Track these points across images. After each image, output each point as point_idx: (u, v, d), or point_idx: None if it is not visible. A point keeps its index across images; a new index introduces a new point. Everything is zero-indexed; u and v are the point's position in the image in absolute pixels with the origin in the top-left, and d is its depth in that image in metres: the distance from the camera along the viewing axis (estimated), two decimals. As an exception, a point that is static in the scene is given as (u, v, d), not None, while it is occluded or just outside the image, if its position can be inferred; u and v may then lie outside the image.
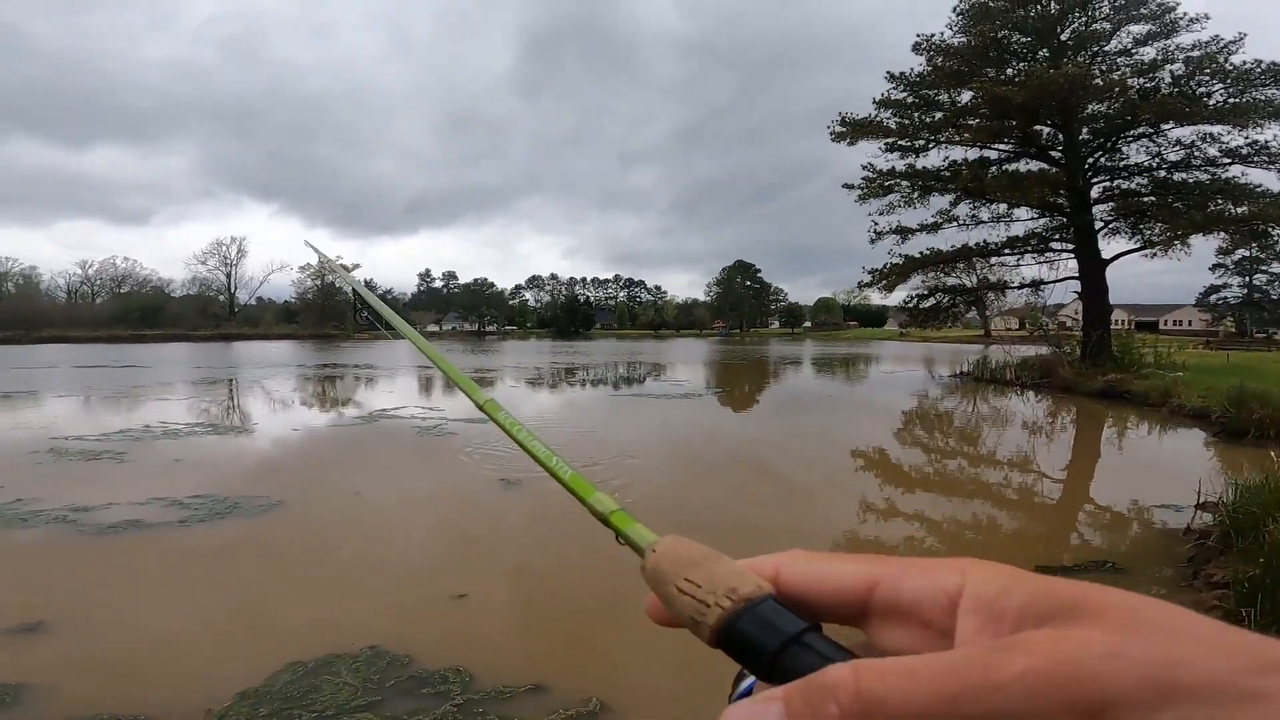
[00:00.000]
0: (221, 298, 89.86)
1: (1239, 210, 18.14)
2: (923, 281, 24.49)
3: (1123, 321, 56.58)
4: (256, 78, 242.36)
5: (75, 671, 3.36)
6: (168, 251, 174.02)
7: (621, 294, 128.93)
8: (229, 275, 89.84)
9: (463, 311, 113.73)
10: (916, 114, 21.52)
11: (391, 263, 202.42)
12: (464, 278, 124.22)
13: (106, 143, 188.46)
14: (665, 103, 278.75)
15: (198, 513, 6.09)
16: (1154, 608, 0.23)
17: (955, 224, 22.49)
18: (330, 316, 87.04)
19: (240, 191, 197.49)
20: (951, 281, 24.73)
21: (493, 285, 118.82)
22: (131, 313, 77.43)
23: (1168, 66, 18.92)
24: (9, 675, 3.29)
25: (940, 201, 22.47)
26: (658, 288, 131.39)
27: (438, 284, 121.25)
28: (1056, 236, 21.67)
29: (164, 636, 3.74)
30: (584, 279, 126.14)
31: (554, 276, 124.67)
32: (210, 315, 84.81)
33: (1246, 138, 18.30)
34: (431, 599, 4.24)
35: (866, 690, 0.22)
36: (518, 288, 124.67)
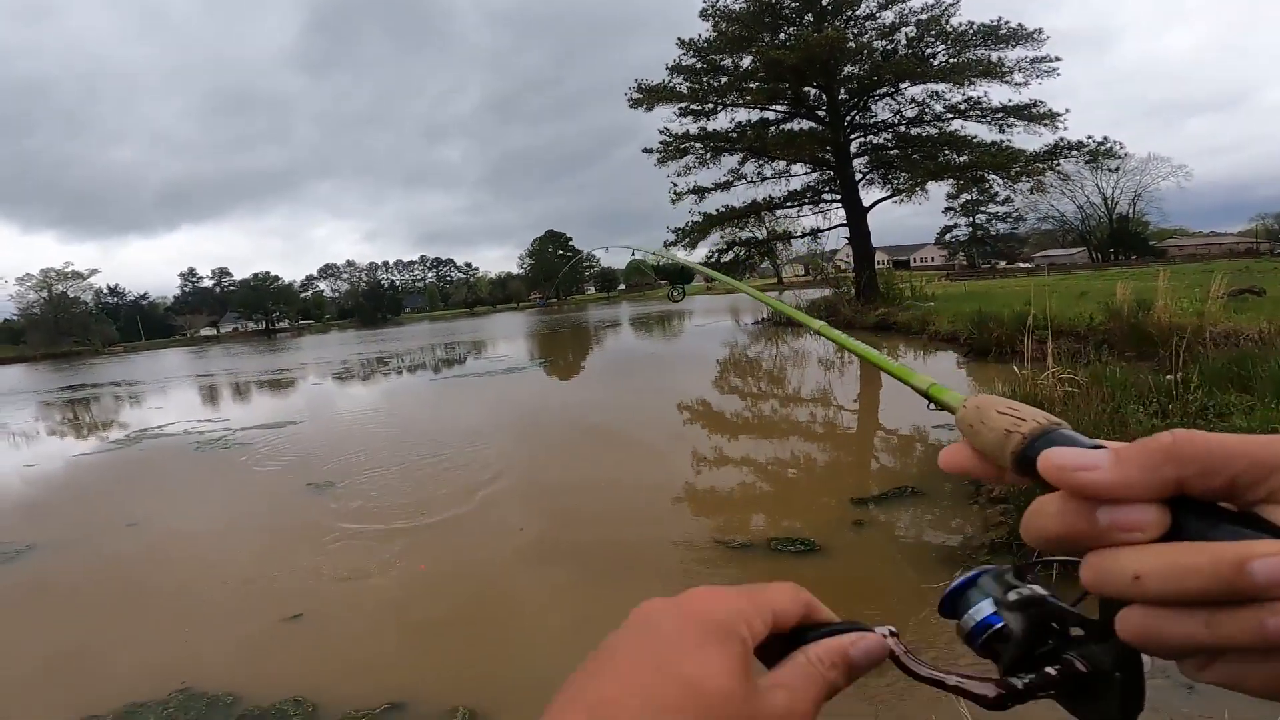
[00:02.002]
0: (-91, 322, 71.45)
1: (961, 159, 21.41)
2: (721, 237, 26.41)
3: (884, 261, 64.86)
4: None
5: None
6: None
7: (430, 275, 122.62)
8: (-85, 296, 71.52)
9: (244, 310, 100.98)
10: (705, 79, 22.88)
11: (148, 264, 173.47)
12: (241, 273, 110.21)
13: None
14: (477, 73, 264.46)
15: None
16: None
17: (744, 181, 24.48)
18: (68, 331, 72.94)
19: None
20: (746, 235, 26.74)
21: (278, 279, 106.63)
22: None
23: (903, 29, 21.66)
24: None
25: (730, 161, 24.24)
26: (468, 265, 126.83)
27: (207, 283, 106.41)
28: (827, 189, 24.30)
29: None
30: (386, 263, 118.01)
31: (351, 263, 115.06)
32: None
33: (964, 95, 21.56)
34: (249, 625, 3.75)
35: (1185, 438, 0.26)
36: (310, 279, 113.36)
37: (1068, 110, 20.29)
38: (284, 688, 3.07)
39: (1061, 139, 20.38)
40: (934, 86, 21.57)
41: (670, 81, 22.90)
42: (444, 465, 7.27)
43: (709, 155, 23.85)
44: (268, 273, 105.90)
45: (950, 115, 21.94)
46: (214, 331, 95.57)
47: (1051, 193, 22.40)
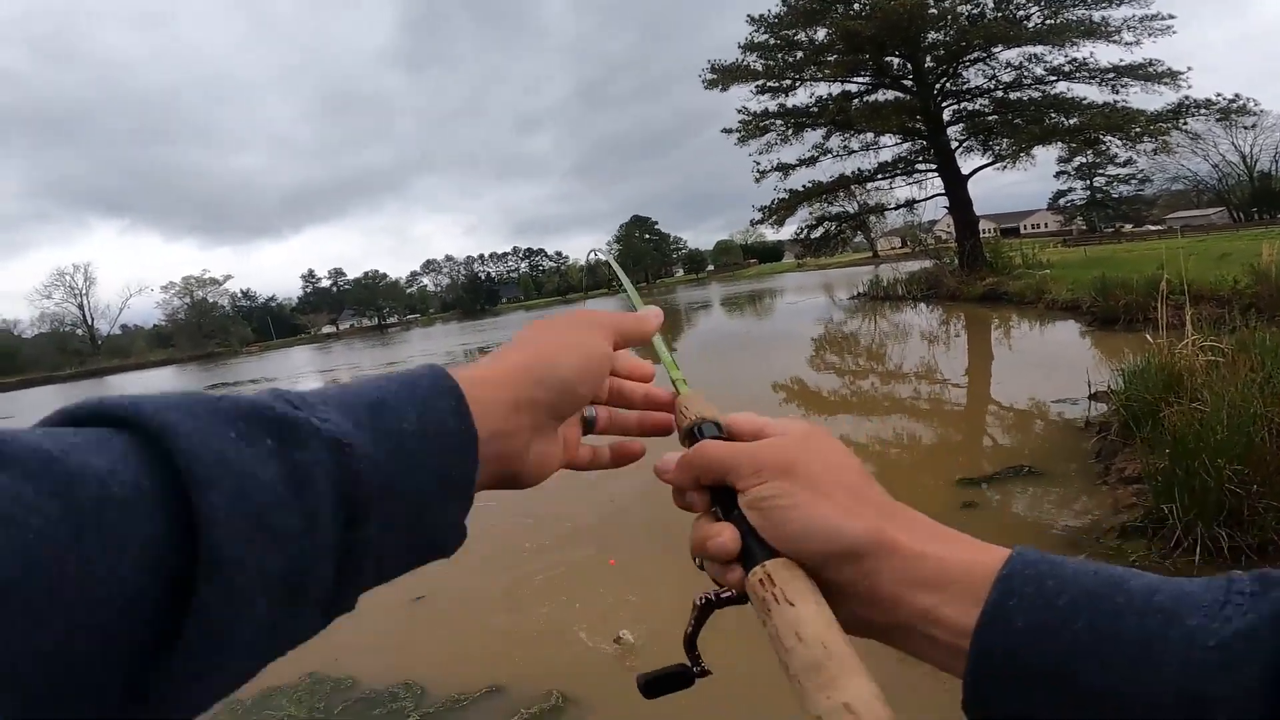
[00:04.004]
0: (79, 331, 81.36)
1: (1071, 122, 19.84)
2: (810, 213, 25.60)
3: (989, 230, 60.71)
4: (81, 78, 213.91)
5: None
6: (11, 285, 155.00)
7: (523, 265, 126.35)
8: (81, 307, 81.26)
9: (358, 308, 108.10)
10: (779, 55, 22.10)
11: (277, 267, 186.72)
12: (355, 272, 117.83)
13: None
14: (564, 61, 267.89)
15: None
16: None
17: (830, 156, 23.60)
18: (210, 334, 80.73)
19: (82, 209, 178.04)
20: (835, 210, 25.82)
21: (385, 276, 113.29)
22: (-22, 362, 69.10)
23: (988, -8, 20.12)
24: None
25: (814, 136, 23.49)
26: (559, 253, 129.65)
27: (325, 283, 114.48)
28: (920, 158, 23.06)
29: None
30: (481, 255, 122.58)
31: (450, 258, 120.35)
32: (72, 352, 76.74)
33: (1067, 56, 19.88)
34: (375, 604, 3.98)
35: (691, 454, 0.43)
36: (414, 274, 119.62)
37: (1189, 69, 18.58)
38: (398, 670, 3.25)
39: (1186, 98, 18.70)
40: (1031, 49, 20.08)
41: (744, 60, 22.28)
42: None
43: (790, 132, 23.11)
44: (377, 270, 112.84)
45: (1053, 78, 20.40)
46: (334, 329, 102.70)
47: (1180, 152, 20.45)
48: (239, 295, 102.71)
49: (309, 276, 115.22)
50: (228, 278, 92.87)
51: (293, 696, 3.15)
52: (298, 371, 29.43)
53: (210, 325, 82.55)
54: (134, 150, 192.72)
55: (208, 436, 0.26)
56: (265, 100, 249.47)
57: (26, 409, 28.24)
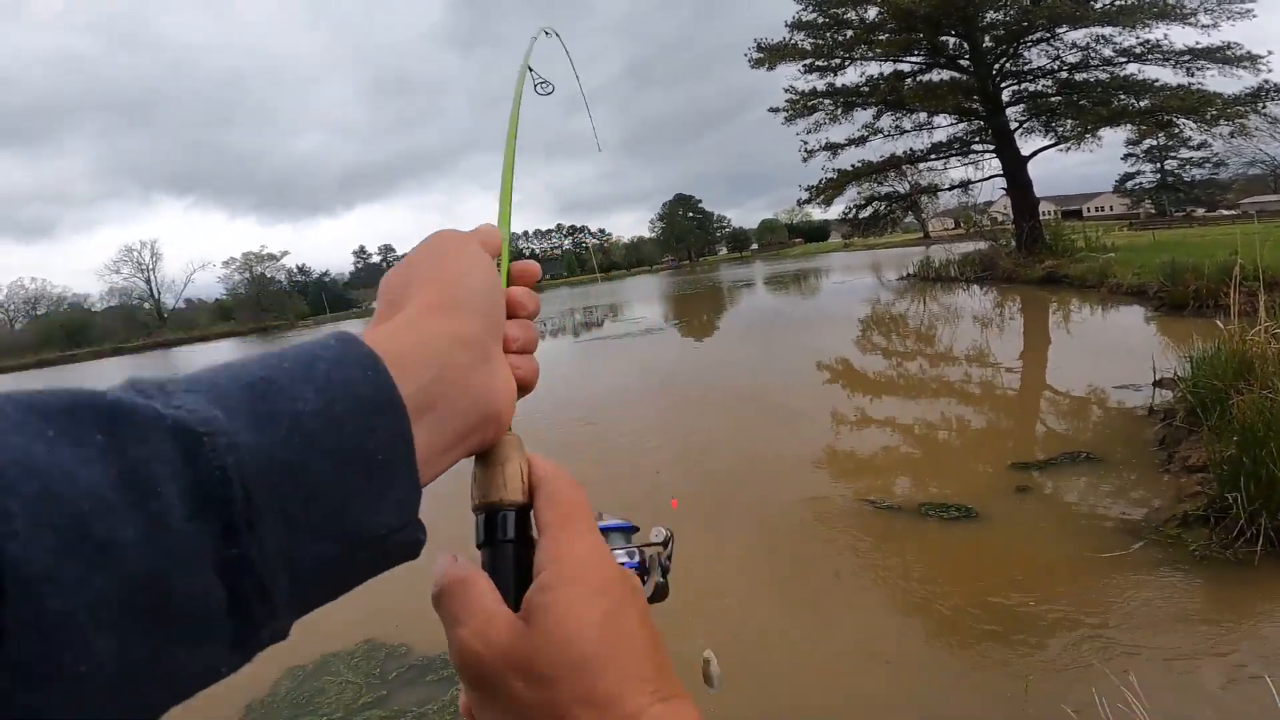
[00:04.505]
0: (147, 305, 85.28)
1: (1141, 104, 18.94)
2: (858, 193, 25.11)
3: (1050, 212, 58.23)
4: (150, 62, 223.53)
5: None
6: (81, 262, 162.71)
7: (566, 242, 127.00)
8: (148, 281, 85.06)
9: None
10: (828, 33, 21.56)
11: (330, 243, 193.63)
12: (404, 248, 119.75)
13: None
14: (615, 39, 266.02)
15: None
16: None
17: (881, 135, 23.04)
18: (268, 308, 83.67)
19: (151, 187, 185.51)
20: (885, 189, 25.21)
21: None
22: (55, 334, 73.07)
23: (1053, -30, 19.18)
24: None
25: (864, 115, 22.98)
26: (602, 230, 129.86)
27: (375, 259, 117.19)
28: (976, 139, 22.34)
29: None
30: (525, 232, 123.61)
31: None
32: (140, 325, 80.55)
33: (1138, 37, 18.90)
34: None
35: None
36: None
37: (1269, 52, 17.65)
38: (443, 643, 3.39)
39: (1266, 81, 17.71)
40: (1099, 30, 19.18)
41: (791, 39, 21.83)
42: (587, 421, 7.58)
43: (839, 111, 22.61)
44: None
45: (1123, 59, 19.47)
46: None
47: (1258, 136, 19.37)
48: (295, 270, 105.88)
49: (360, 253, 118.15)
50: (285, 253, 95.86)
51: (350, 662, 3.31)
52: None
53: (268, 299, 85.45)
54: (200, 132, 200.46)
55: (7, 435, 0.21)
56: (322, 84, 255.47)
57: (106, 380, 29.83)
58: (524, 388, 0.40)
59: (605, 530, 0.45)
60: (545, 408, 8.61)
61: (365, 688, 3.08)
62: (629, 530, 0.48)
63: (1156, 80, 18.99)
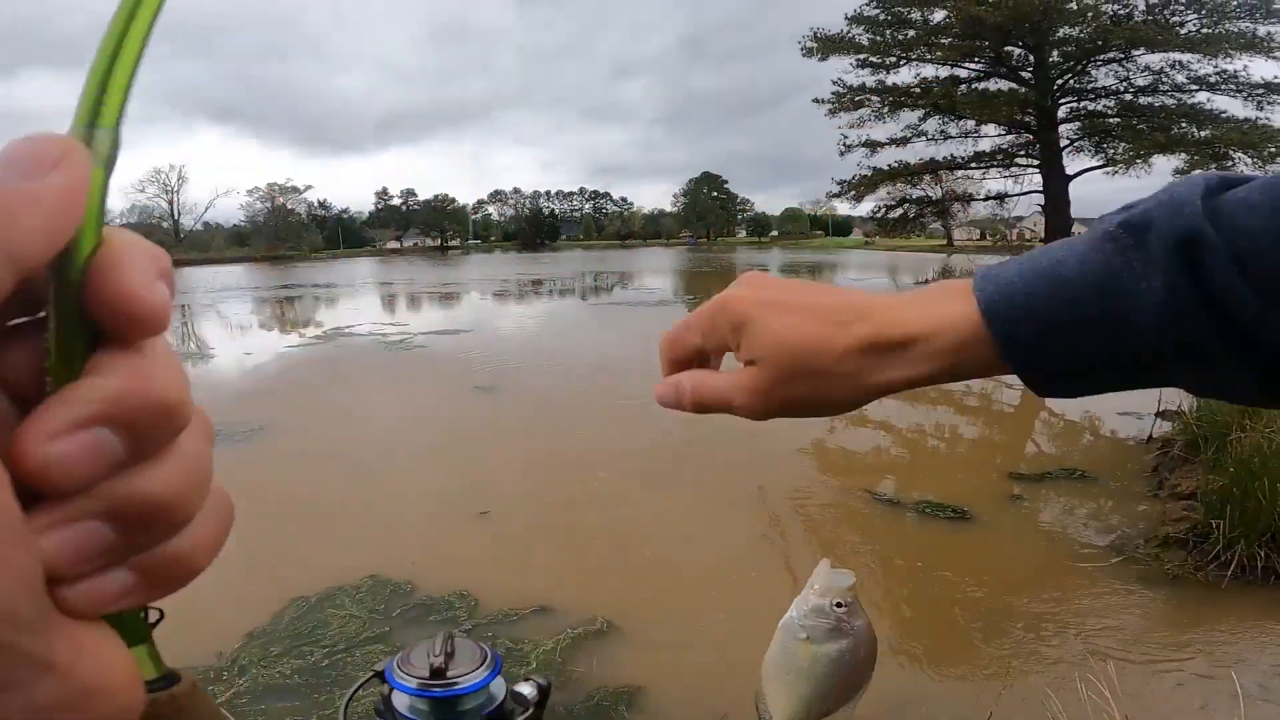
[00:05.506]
0: (165, 224, 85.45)
1: (1202, 134, 18.68)
2: (889, 193, 24.91)
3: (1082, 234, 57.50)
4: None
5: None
6: (111, 180, 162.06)
7: (587, 206, 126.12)
8: (170, 202, 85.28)
9: (424, 228, 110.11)
10: (888, 31, 21.21)
11: (355, 182, 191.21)
12: (427, 194, 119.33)
13: (36, 69, 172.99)
14: (679, 9, 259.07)
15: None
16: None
17: (924, 138, 22.82)
18: (284, 238, 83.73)
19: (192, 114, 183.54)
20: (918, 193, 25.04)
21: (454, 200, 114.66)
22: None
23: (1142, -7, 18.71)
24: None
25: (910, 117, 22.79)
26: (624, 199, 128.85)
27: (395, 201, 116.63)
28: (1022, 153, 22.09)
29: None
30: (548, 192, 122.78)
31: (517, 190, 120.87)
32: (155, 242, 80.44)
33: (1215, 66, 18.54)
34: (443, 518, 4.29)
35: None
36: (480, 202, 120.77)
37: None
38: (456, 581, 3.50)
39: None
40: (1177, 56, 18.90)
41: (849, 32, 21.59)
42: (602, 374, 7.71)
43: (886, 109, 22.43)
44: (446, 194, 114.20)
45: (1195, 87, 19.11)
46: (397, 245, 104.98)
47: None
48: (315, 204, 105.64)
49: (382, 193, 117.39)
50: (308, 187, 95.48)
51: (354, 596, 3.42)
52: (361, 281, 30.41)
53: (285, 229, 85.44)
54: (253, 65, 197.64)
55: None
56: (381, 26, 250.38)
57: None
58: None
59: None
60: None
61: (368, 622, 3.22)
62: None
63: (1224, 111, 18.78)
